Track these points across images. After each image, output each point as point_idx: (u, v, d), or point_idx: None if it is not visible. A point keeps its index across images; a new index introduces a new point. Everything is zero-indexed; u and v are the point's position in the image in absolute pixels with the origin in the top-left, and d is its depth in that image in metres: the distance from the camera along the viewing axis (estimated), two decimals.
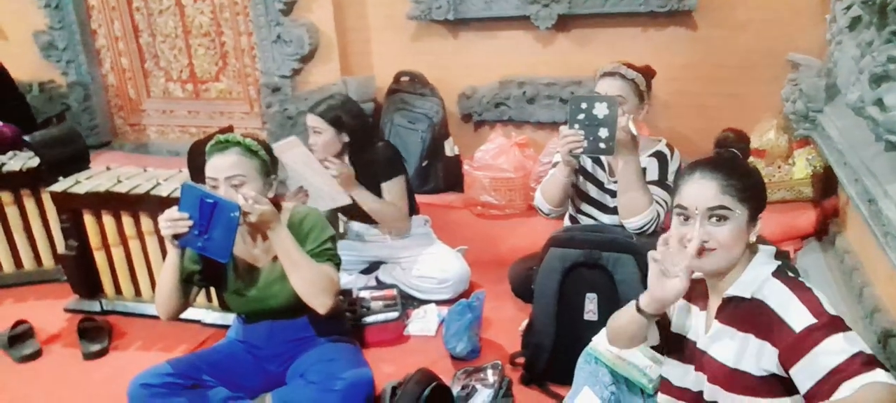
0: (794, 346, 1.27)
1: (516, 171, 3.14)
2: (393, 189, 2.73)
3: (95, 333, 2.64)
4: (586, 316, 2.10)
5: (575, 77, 3.30)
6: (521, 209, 3.17)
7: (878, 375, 1.17)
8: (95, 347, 2.56)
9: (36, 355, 2.56)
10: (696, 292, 1.54)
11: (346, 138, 2.67)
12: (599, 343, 1.80)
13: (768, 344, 1.33)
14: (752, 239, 1.41)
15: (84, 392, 2.34)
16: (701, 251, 1.39)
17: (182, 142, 4.29)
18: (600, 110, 1.98)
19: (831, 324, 1.26)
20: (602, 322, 1.96)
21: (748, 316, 1.38)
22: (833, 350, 1.22)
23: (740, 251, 1.40)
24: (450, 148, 3.40)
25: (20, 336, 2.62)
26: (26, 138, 3.01)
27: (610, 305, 2.04)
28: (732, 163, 1.44)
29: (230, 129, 2.60)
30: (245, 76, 4.07)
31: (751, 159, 2.77)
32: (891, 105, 1.45)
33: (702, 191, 1.39)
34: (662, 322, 1.57)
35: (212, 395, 1.96)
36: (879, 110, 1.51)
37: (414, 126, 3.29)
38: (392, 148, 2.83)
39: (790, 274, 1.41)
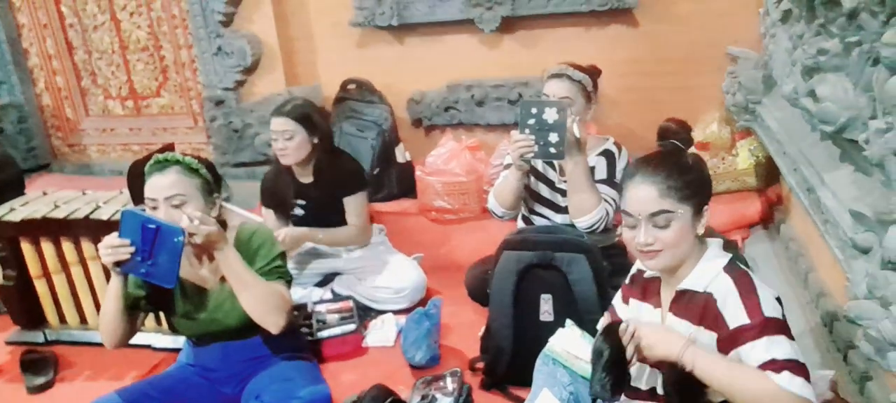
0: (725, 341, 1.35)
1: (468, 175, 3.13)
2: (355, 204, 2.70)
3: (40, 365, 2.52)
4: (542, 317, 2.11)
5: (522, 78, 3.32)
6: (475, 212, 3.17)
7: (782, 378, 1.26)
8: (40, 380, 2.45)
9: None
10: (650, 291, 1.56)
11: (315, 140, 2.61)
12: (556, 344, 1.81)
13: (715, 335, 1.38)
14: (700, 231, 1.44)
15: None
16: (649, 252, 1.42)
17: (125, 161, 4.15)
18: (550, 115, 2.00)
19: (760, 327, 1.32)
20: (558, 322, 1.98)
21: (699, 309, 1.42)
22: (753, 356, 1.30)
23: (688, 247, 1.43)
24: (401, 154, 3.38)
25: None
26: None
27: (565, 305, 2.06)
28: (671, 162, 1.45)
29: (171, 147, 2.53)
30: (187, 90, 3.96)
31: (693, 150, 2.82)
32: (823, 96, 1.49)
33: (642, 196, 1.42)
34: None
35: None
36: (813, 101, 1.55)
37: (363, 134, 3.26)
38: (356, 162, 2.80)
39: (741, 266, 1.44)
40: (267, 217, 2.78)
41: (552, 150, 2.03)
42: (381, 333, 2.56)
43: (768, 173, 2.77)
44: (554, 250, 2.07)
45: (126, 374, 2.47)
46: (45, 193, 2.80)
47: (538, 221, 2.42)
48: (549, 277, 2.09)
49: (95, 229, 2.48)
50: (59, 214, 2.52)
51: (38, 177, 4.11)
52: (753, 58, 2.61)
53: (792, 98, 1.75)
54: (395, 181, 3.38)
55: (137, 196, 2.41)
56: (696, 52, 3.05)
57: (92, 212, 2.50)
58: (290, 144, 2.57)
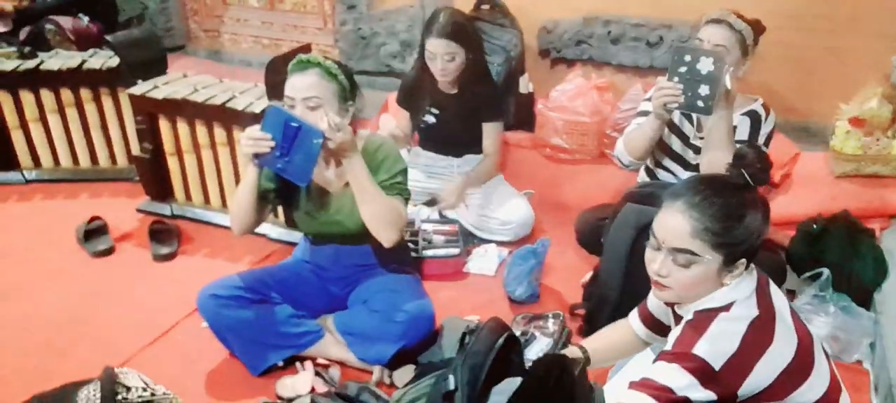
0: None
1: (592, 116, 3.02)
2: (494, 131, 2.68)
3: (165, 236, 2.71)
4: None
5: (665, 19, 3.11)
6: (593, 155, 3.07)
7: (632, 395, 1.26)
8: (165, 250, 2.64)
9: (109, 251, 2.66)
10: None
11: (470, 56, 2.53)
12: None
13: None
14: (727, 282, 1.32)
15: (153, 293, 2.43)
16: (658, 283, 1.36)
17: (255, 53, 4.29)
18: (705, 66, 1.86)
19: (672, 355, 1.29)
20: None
21: None
22: (653, 368, 1.29)
23: (702, 293, 1.33)
24: (524, 84, 3.28)
25: (95, 231, 2.73)
26: (108, 38, 3.05)
27: None
28: (722, 201, 1.29)
29: (308, 48, 2.58)
30: None
31: (850, 129, 2.57)
32: None
33: (672, 225, 1.31)
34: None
35: (277, 311, 2.01)
36: None
37: (490, 58, 3.16)
38: (498, 89, 2.74)
39: (730, 315, 1.31)
40: (389, 121, 2.76)
41: (700, 104, 1.91)
42: (483, 261, 2.57)
43: None
44: None
45: (242, 257, 2.62)
46: (185, 75, 2.94)
47: (663, 176, 2.32)
48: None
49: (229, 117, 2.59)
50: (198, 98, 2.63)
51: (175, 59, 4.31)
52: None
53: None
54: (513, 111, 3.30)
55: (273, 91, 2.48)
56: (860, 11, 2.76)
57: (228, 101, 2.60)
58: (451, 66, 2.51)
